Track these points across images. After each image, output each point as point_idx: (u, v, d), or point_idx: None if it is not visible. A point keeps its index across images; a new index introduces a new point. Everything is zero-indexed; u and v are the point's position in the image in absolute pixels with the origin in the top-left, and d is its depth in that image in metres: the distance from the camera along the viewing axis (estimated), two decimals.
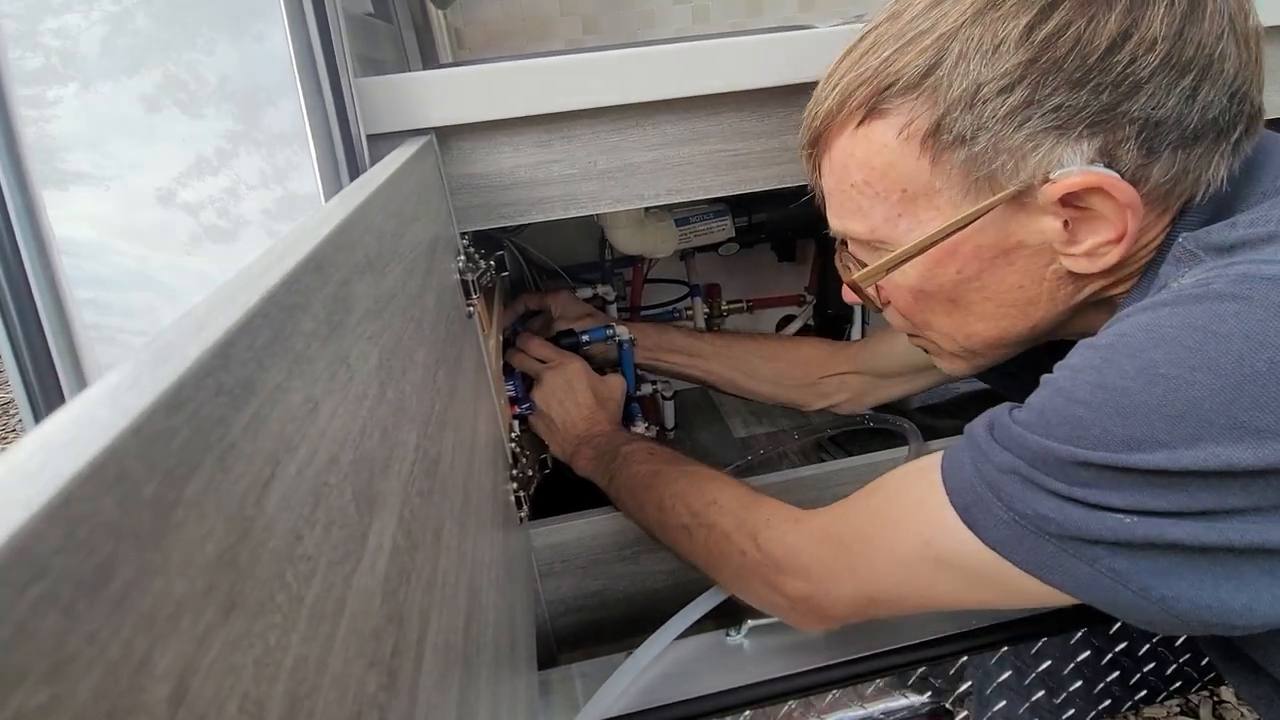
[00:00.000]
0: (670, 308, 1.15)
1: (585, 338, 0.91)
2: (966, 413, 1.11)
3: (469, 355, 0.52)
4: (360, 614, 0.21)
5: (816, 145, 0.51)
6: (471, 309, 0.56)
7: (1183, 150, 0.41)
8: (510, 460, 0.67)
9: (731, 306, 1.16)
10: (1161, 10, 0.39)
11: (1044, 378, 0.40)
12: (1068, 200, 0.42)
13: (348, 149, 0.48)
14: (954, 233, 0.44)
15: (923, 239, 0.45)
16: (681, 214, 0.98)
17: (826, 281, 1.21)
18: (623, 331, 0.95)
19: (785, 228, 1.08)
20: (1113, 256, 0.42)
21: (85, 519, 0.10)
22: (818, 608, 0.51)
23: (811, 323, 1.24)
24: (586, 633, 0.78)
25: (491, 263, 0.60)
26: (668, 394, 1.10)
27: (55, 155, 0.52)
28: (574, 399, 0.78)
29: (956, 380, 0.94)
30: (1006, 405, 0.41)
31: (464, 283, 0.54)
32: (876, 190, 0.46)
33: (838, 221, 0.51)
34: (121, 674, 0.10)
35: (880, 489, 0.48)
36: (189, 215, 0.54)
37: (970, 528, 0.41)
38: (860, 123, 0.46)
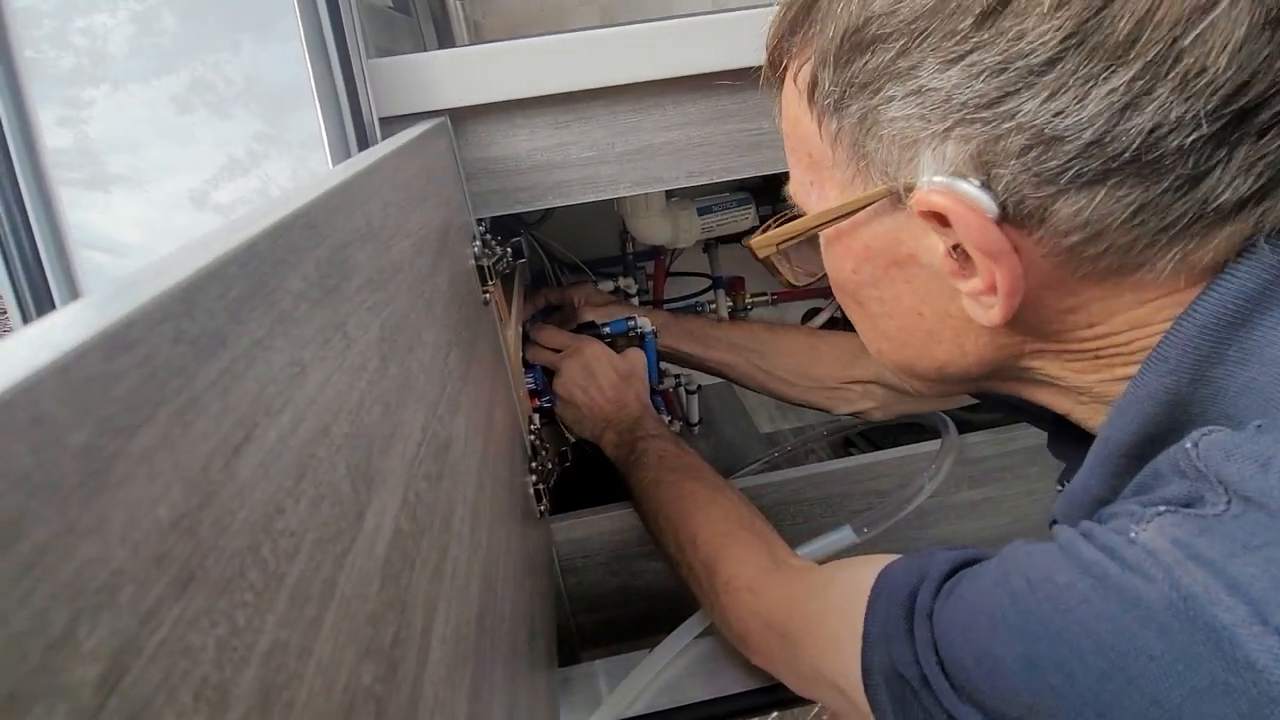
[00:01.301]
0: (694, 300, 1.13)
1: (606, 329, 0.90)
2: (1002, 406, 1.07)
3: (485, 342, 0.51)
4: (355, 598, 0.19)
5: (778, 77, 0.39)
6: (488, 295, 0.54)
7: (1115, 187, 0.27)
8: (530, 453, 0.65)
9: (755, 299, 1.14)
10: None
11: (963, 581, 0.32)
12: (938, 218, 0.30)
13: (359, 130, 0.47)
14: (835, 222, 0.34)
15: (808, 219, 0.35)
16: (704, 202, 0.96)
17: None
18: (645, 323, 0.94)
19: None
20: (995, 314, 0.30)
21: None
22: (775, 677, 0.50)
23: (838, 314, 1.21)
24: (610, 629, 0.76)
25: (508, 249, 0.58)
26: (691, 388, 1.08)
27: (97, 158, 0.52)
28: (595, 382, 0.76)
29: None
30: (941, 570, 0.33)
31: (480, 268, 0.53)
32: (793, 146, 0.37)
33: None
34: (29, 650, 0.09)
35: (823, 593, 0.42)
36: (222, 217, 0.53)
37: (865, 692, 0.35)
38: (787, 60, 0.36)
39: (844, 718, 0.44)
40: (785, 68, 0.36)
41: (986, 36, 0.27)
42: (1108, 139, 0.26)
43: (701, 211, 0.95)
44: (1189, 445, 0.28)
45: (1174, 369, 0.29)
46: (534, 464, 0.63)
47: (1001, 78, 0.27)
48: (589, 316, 0.88)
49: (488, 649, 0.33)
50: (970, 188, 0.28)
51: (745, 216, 0.98)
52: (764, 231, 0.39)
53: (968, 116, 0.28)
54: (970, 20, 0.27)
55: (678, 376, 1.05)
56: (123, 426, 0.11)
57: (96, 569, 0.10)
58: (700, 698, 0.57)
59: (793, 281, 0.44)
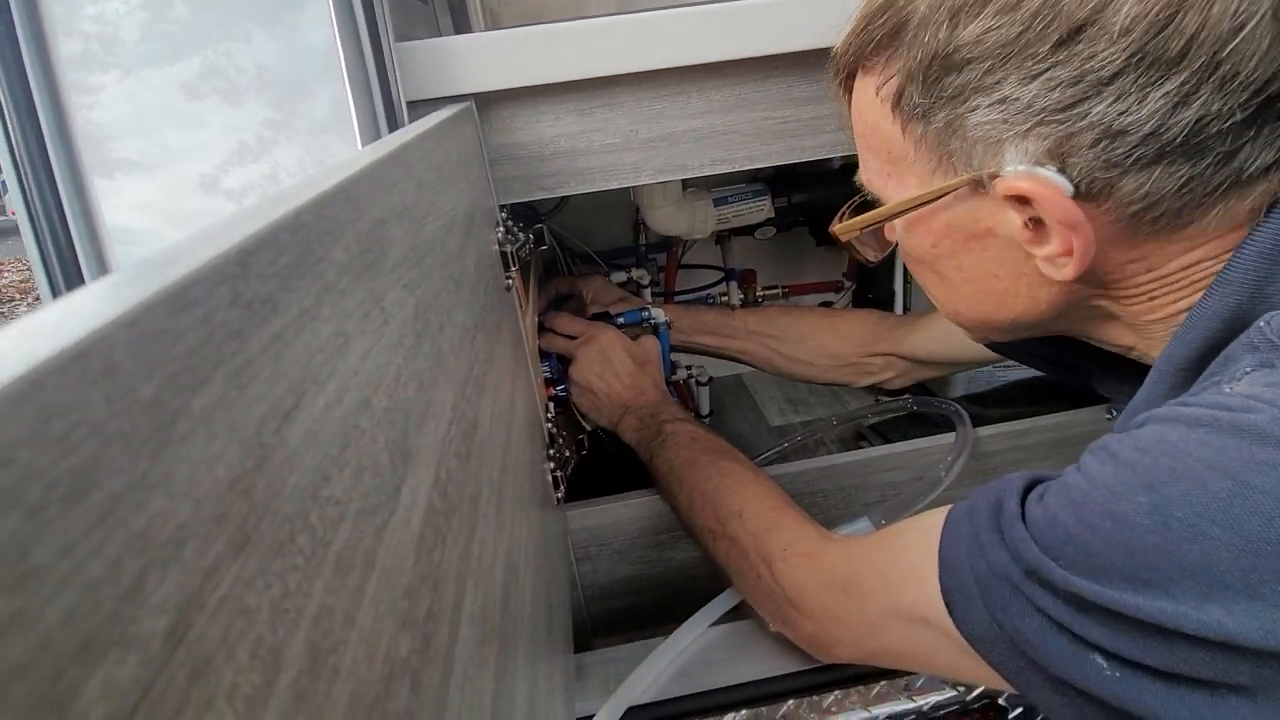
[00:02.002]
0: (705, 293, 1.13)
1: (620, 321, 0.90)
2: (1013, 401, 1.07)
3: (506, 327, 0.51)
4: (393, 570, 0.19)
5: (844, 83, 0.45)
6: (510, 281, 0.54)
7: (1168, 166, 0.33)
8: (547, 440, 0.65)
9: (767, 292, 1.13)
10: None
11: (1066, 476, 0.35)
12: (1018, 199, 0.37)
13: (389, 113, 0.46)
14: (922, 205, 0.40)
15: (894, 205, 0.42)
16: (720, 193, 0.95)
17: (865, 265, 1.17)
18: (658, 314, 0.94)
19: (825, 209, 1.04)
20: (1069, 271, 0.37)
21: (61, 411, 0.08)
22: (824, 647, 0.50)
23: (849, 308, 1.20)
24: (622, 618, 0.76)
25: (530, 235, 0.58)
26: (703, 379, 1.08)
27: (102, 143, 0.52)
28: (612, 369, 0.76)
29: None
30: (1019, 484, 0.37)
31: (503, 254, 0.53)
32: (870, 144, 0.43)
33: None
34: (104, 598, 0.09)
35: (890, 543, 0.45)
36: (232, 202, 0.54)
37: (950, 612, 0.38)
38: (859, 70, 0.42)
39: (907, 661, 0.46)
40: (853, 75, 0.42)
41: (1062, 57, 0.33)
42: (1162, 130, 0.32)
43: (717, 202, 0.95)
44: (1262, 324, 0.34)
45: (1237, 289, 0.35)
46: (551, 451, 0.63)
47: (1075, 88, 0.33)
48: (600, 309, 0.88)
49: (511, 630, 0.33)
50: (1049, 173, 0.35)
51: (761, 208, 0.97)
52: (842, 219, 0.46)
53: (1046, 119, 0.34)
54: (1048, 46, 0.33)
55: (689, 368, 1.05)
56: (185, 384, 0.11)
57: (164, 523, 0.10)
58: (714, 685, 0.57)
59: (869, 259, 0.50)
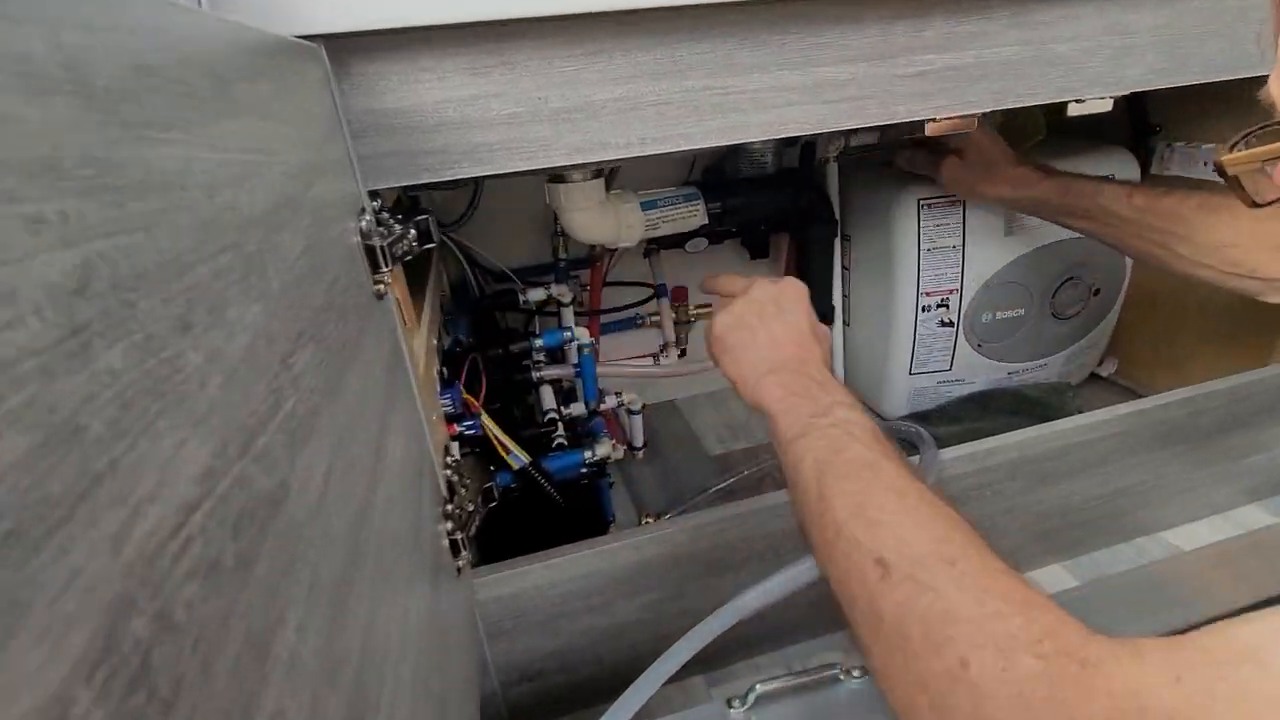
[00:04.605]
0: (633, 311, 1.02)
1: (539, 343, 0.85)
2: (960, 417, 1.01)
3: (374, 347, 0.38)
4: None
5: None
6: (383, 287, 0.41)
7: None
8: (445, 493, 0.52)
9: (700, 310, 1.04)
10: None
11: None
12: None
13: None
14: None
15: None
16: (648, 196, 0.85)
17: (803, 277, 1.09)
18: (582, 334, 0.86)
19: (758, 218, 0.96)
20: None
21: None
22: None
23: None
24: (546, 702, 0.63)
25: (412, 229, 0.45)
26: (635, 408, 0.97)
27: None
28: (784, 318, 0.58)
29: None
30: None
31: (369, 249, 0.40)
32: None
33: None
34: None
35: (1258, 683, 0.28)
36: None
37: None
38: None
39: None
40: None
41: None
42: None
43: (645, 206, 0.84)
44: None
45: None
46: (449, 507, 0.50)
47: None
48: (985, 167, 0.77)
49: None
50: None
51: (694, 212, 0.88)
52: (1234, 149, 0.39)
53: None
54: None
55: (618, 394, 0.94)
56: None
57: None
58: None
59: (1256, 201, 0.42)
